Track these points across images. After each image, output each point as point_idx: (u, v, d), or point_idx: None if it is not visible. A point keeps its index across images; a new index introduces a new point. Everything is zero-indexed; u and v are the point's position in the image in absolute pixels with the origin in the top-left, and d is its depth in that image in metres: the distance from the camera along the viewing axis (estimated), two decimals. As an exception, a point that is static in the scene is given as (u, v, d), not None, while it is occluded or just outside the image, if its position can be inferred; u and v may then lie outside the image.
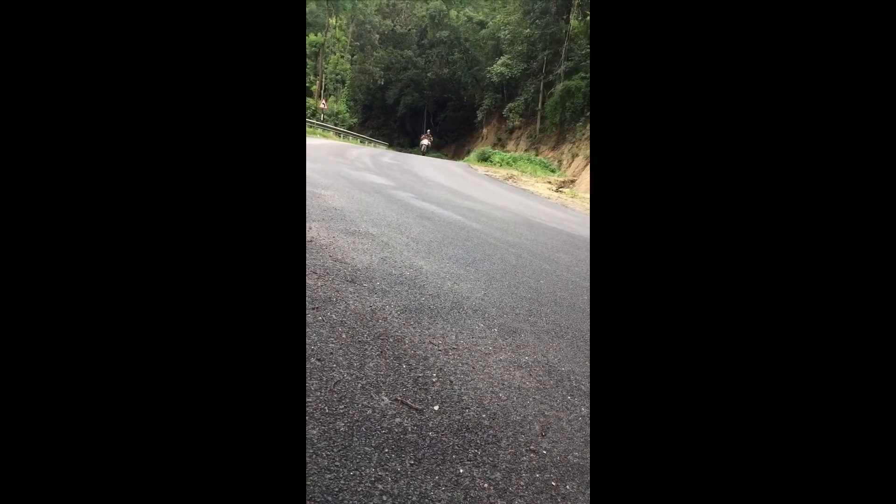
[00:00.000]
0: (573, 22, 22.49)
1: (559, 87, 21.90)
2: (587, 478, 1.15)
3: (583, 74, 21.25)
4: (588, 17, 21.43)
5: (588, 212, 9.25)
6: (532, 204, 9.32)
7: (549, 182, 15.81)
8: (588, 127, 20.63)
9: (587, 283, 3.21)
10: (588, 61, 21.24)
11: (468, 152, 26.32)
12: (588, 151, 19.18)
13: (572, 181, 16.41)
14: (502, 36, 25.64)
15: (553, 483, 1.12)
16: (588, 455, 1.25)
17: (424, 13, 29.38)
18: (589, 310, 2.62)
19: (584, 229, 6.37)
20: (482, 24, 29.10)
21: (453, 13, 29.43)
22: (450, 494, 1.02)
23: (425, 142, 21.17)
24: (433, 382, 1.50)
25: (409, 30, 30.10)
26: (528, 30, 23.66)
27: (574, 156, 20.52)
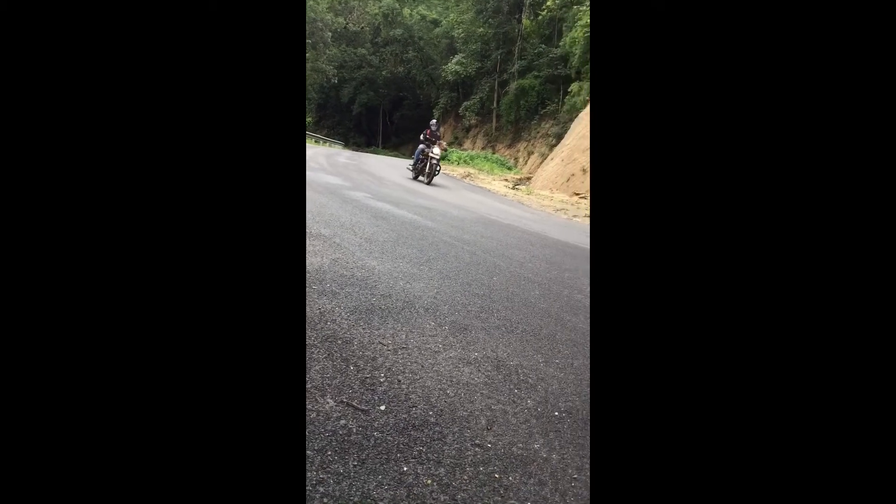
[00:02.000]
0: (525, 21, 22.86)
1: (513, 85, 22.25)
2: (529, 468, 1.19)
3: (535, 73, 21.67)
4: (539, 17, 21.85)
5: (542, 208, 9.44)
6: (488, 202, 9.42)
7: (506, 180, 16.03)
8: (542, 125, 21.06)
9: (539, 279, 3.28)
10: (540, 60, 21.67)
11: (425, 151, 26.25)
12: (542, 149, 19.57)
13: (528, 178, 16.70)
14: (456, 35, 25.80)
15: (496, 475, 1.14)
16: (531, 446, 1.29)
17: (377, 11, 29.13)
18: (538, 304, 2.68)
19: (537, 225, 6.49)
20: (436, 23, 29.16)
21: (406, 11, 29.32)
22: (392, 493, 1.02)
23: (436, 150, 10.06)
24: (381, 383, 1.50)
25: (363, 28, 29.76)
26: (482, 29, 23.92)
27: (530, 153, 20.89)
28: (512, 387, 1.62)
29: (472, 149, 24.05)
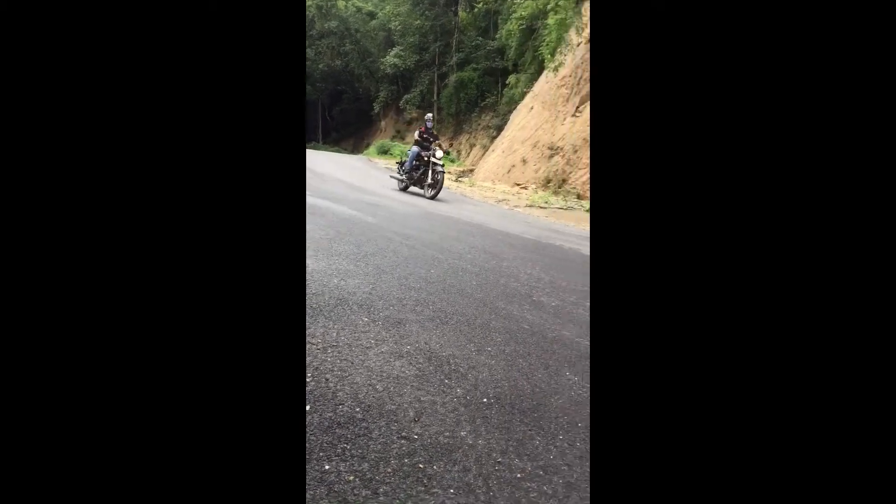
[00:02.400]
0: (461, 14, 22.95)
1: (452, 78, 22.32)
2: (455, 456, 1.20)
3: (474, 66, 21.82)
4: (474, 10, 22.00)
5: (485, 199, 9.57)
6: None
7: (450, 172, 16.09)
8: (483, 117, 21.27)
9: (476, 269, 3.33)
10: (478, 53, 21.85)
11: (367, 145, 26.03)
12: (484, 141, 19.79)
13: (471, 170, 16.86)
14: (393, 27, 25.53)
15: (421, 466, 1.15)
16: (458, 434, 1.30)
17: (311, 3, 28.26)
18: (474, 294, 2.71)
19: (479, 217, 6.57)
20: (372, 15, 28.69)
21: (341, 3, 28.64)
22: (312, 493, 1.01)
23: (438, 154, 8.11)
24: (307, 383, 1.47)
25: (296, 20, 28.75)
26: (419, 21, 23.80)
27: (472, 146, 21.06)
28: (442, 377, 1.64)
29: (415, 142, 23.93)
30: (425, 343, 1.92)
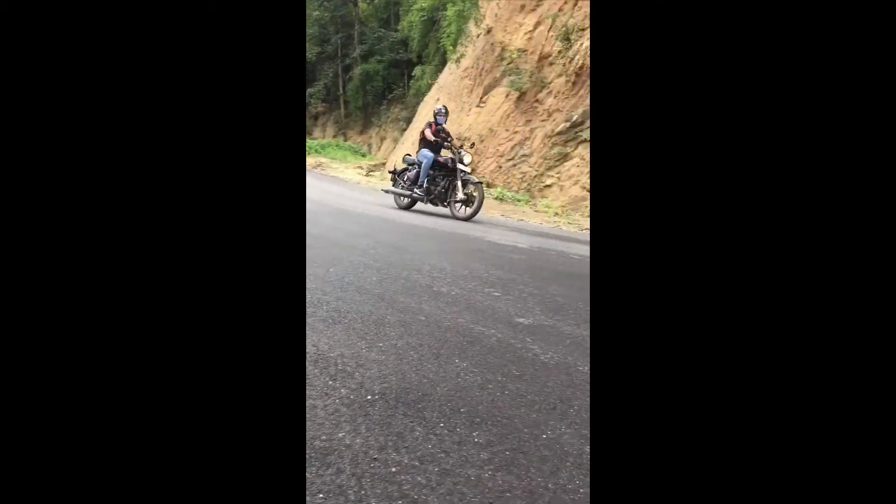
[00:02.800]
0: (361, 5, 22.51)
1: (357, 70, 21.88)
2: (328, 459, 1.18)
3: (378, 58, 21.54)
4: (374, 0, 21.67)
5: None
6: (340, 191, 9.23)
7: (360, 167, 15.86)
8: (392, 109, 21.11)
9: (379, 264, 3.30)
10: (381, 44, 21.58)
11: (273, 143, 24.90)
12: (394, 133, 19.67)
13: (383, 164, 16.70)
14: (291, 18, 24.47)
15: (291, 475, 1.11)
16: (335, 436, 1.28)
17: (198, -9, 26.35)
18: (373, 290, 2.69)
19: (391, 211, 6.52)
20: (268, 5, 27.33)
21: (232, -8, 27.02)
22: (160, 524, 0.94)
23: (467, 159, 6.12)
24: (173, 403, 1.37)
25: (182, 10, 26.74)
26: (318, 12, 23.02)
27: (382, 139, 20.85)
28: (327, 379, 1.60)
29: (323, 137, 23.27)
30: (313, 346, 1.86)
